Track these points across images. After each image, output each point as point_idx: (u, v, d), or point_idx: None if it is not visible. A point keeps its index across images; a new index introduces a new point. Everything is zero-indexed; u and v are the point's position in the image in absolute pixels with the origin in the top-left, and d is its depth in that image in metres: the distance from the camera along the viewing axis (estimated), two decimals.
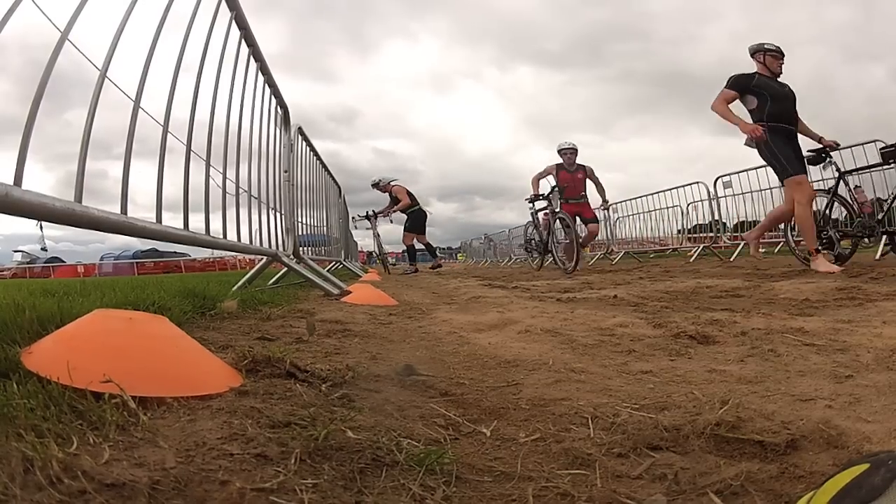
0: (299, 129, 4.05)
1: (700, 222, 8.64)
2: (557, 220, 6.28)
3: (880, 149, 4.38)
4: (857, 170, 4.69)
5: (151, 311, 1.40)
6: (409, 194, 9.05)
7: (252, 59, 2.78)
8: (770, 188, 7.45)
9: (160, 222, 1.82)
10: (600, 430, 0.76)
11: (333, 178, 6.82)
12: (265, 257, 3.37)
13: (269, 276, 3.95)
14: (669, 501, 0.55)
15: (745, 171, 7.62)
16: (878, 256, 5.08)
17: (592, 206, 7.38)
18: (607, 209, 8.34)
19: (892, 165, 4.32)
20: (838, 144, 4.24)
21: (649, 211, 9.37)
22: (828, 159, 4.21)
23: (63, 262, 26.68)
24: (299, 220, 4.16)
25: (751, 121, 3.99)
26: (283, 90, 3.37)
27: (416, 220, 9.04)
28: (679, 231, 9.10)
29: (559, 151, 7.07)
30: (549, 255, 6.76)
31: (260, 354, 0.99)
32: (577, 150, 7.02)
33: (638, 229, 9.92)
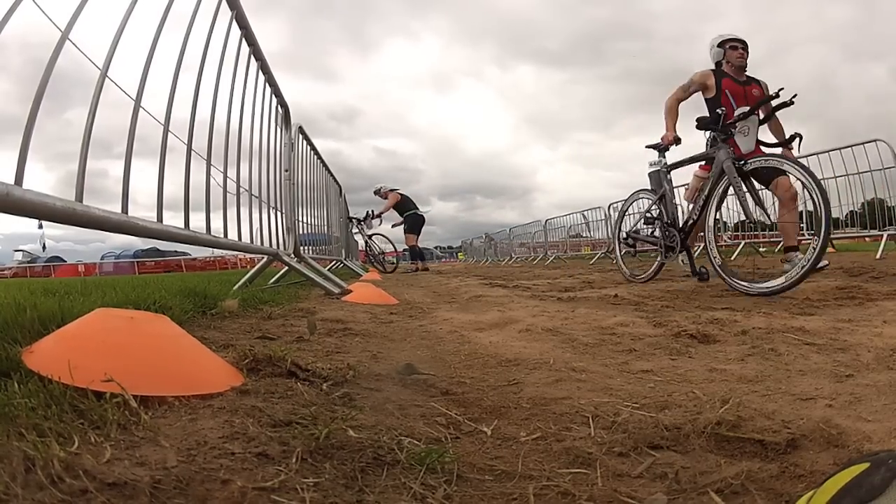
0: (300, 128, 4.05)
1: None
2: (738, 180, 2.75)
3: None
4: None
5: (152, 311, 1.40)
6: (401, 199, 9.82)
7: (252, 59, 2.78)
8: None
9: (161, 221, 1.82)
10: (601, 429, 0.76)
11: (334, 177, 6.82)
12: (266, 256, 3.37)
13: (270, 275, 3.95)
14: (670, 500, 0.55)
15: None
16: (878, 256, 5.08)
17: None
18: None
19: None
20: None
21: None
22: None
23: (64, 261, 26.71)
24: (300, 219, 4.16)
25: None
26: (284, 89, 3.37)
27: (412, 224, 9.82)
28: None
29: (720, 45, 3.49)
30: (682, 254, 3.61)
31: (261, 353, 0.99)
32: (748, 47, 3.48)
33: None
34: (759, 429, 0.70)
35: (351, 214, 9.74)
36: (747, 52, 3.49)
